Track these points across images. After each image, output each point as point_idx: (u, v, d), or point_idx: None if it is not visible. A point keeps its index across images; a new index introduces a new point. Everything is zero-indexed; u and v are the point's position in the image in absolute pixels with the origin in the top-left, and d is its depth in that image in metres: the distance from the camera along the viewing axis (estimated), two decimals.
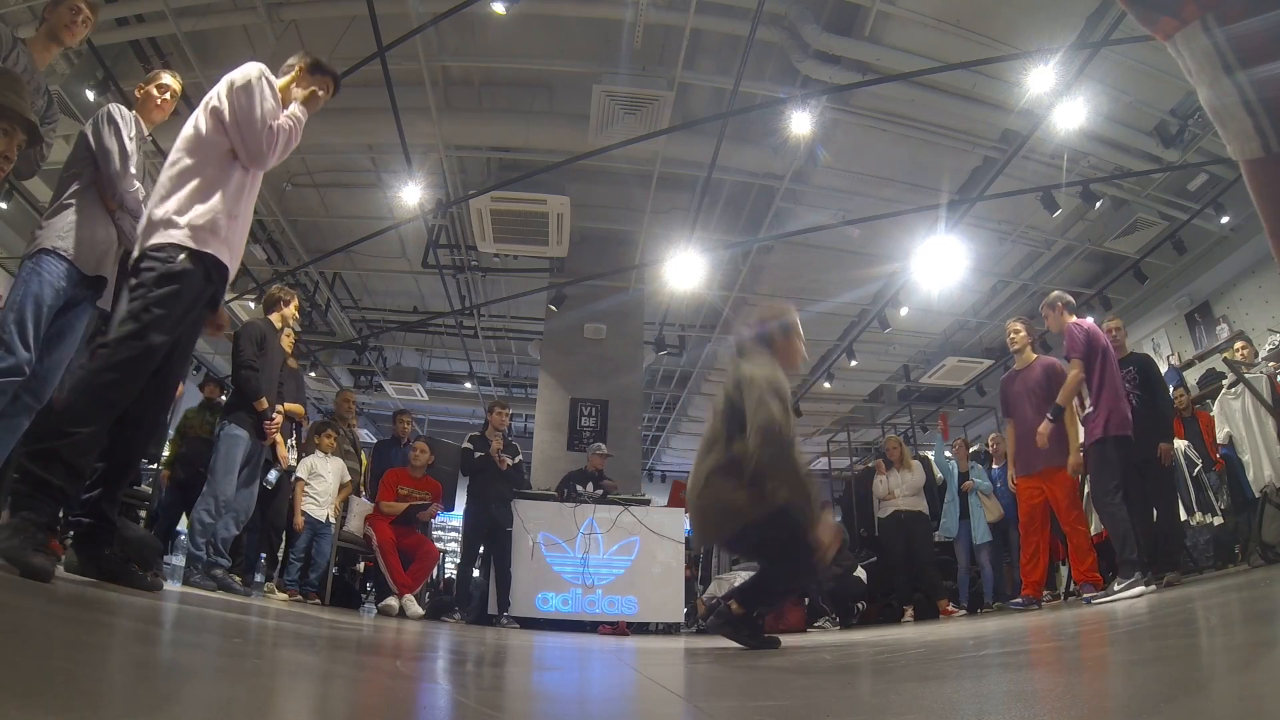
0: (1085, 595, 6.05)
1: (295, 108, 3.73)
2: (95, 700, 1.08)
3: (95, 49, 7.92)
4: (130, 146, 3.99)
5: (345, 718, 1.44)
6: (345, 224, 12.45)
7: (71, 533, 3.54)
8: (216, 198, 3.43)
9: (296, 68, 3.96)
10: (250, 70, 3.60)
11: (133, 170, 3.97)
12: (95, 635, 1.88)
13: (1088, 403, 6.18)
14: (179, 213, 3.36)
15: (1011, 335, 6.96)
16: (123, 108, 4.11)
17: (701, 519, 4.15)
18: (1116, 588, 5.66)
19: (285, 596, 7.17)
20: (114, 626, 2.13)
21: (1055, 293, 6.66)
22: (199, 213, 3.37)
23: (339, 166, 11.42)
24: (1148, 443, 6.35)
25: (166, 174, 3.47)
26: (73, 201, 3.83)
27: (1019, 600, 6.71)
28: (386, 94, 8.00)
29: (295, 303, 6.76)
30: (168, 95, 4.39)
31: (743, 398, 3.96)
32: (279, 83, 3.84)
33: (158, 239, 3.34)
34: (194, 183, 3.43)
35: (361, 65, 7.71)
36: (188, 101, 8.86)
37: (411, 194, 9.87)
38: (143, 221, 3.46)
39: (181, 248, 3.31)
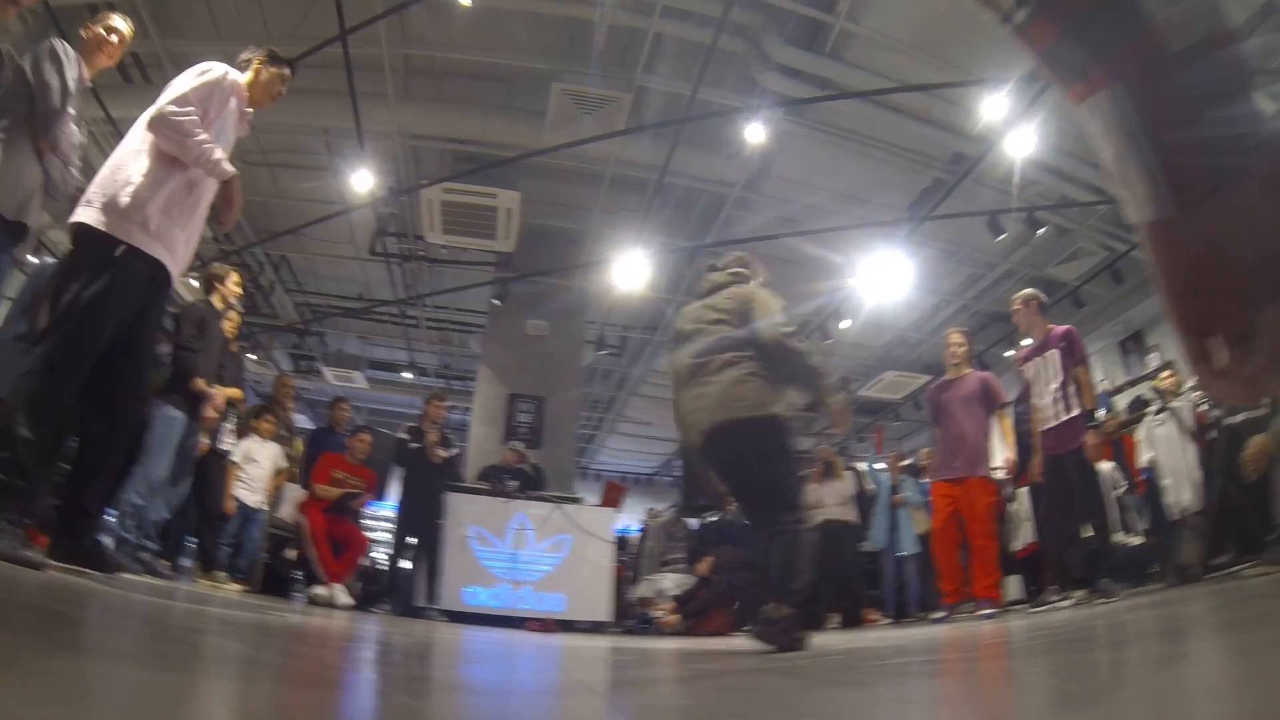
0: (982, 612, 6.10)
1: (200, 146, 3.44)
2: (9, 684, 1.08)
3: (51, 9, 7.68)
4: (72, 86, 3.81)
5: (267, 707, 1.45)
6: (296, 206, 12.18)
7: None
8: (148, 185, 3.36)
9: (255, 60, 3.92)
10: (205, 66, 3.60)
11: (71, 111, 3.83)
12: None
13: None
14: (101, 194, 3.31)
15: (954, 348, 6.95)
16: (68, 45, 3.90)
17: (710, 402, 3.93)
18: (1053, 597, 5.87)
19: (239, 587, 6.92)
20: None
21: (1030, 290, 6.69)
22: (123, 196, 3.31)
23: (293, 148, 11.20)
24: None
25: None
26: None
27: (941, 612, 6.83)
28: (345, 77, 7.90)
29: (234, 277, 6.56)
30: (115, 39, 4.09)
31: (750, 311, 4.05)
32: (244, 78, 3.81)
33: (75, 217, 3.33)
34: (129, 167, 3.39)
35: (323, 47, 7.58)
36: (141, 69, 8.78)
37: (364, 180, 9.76)
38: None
39: (108, 238, 3.26)
